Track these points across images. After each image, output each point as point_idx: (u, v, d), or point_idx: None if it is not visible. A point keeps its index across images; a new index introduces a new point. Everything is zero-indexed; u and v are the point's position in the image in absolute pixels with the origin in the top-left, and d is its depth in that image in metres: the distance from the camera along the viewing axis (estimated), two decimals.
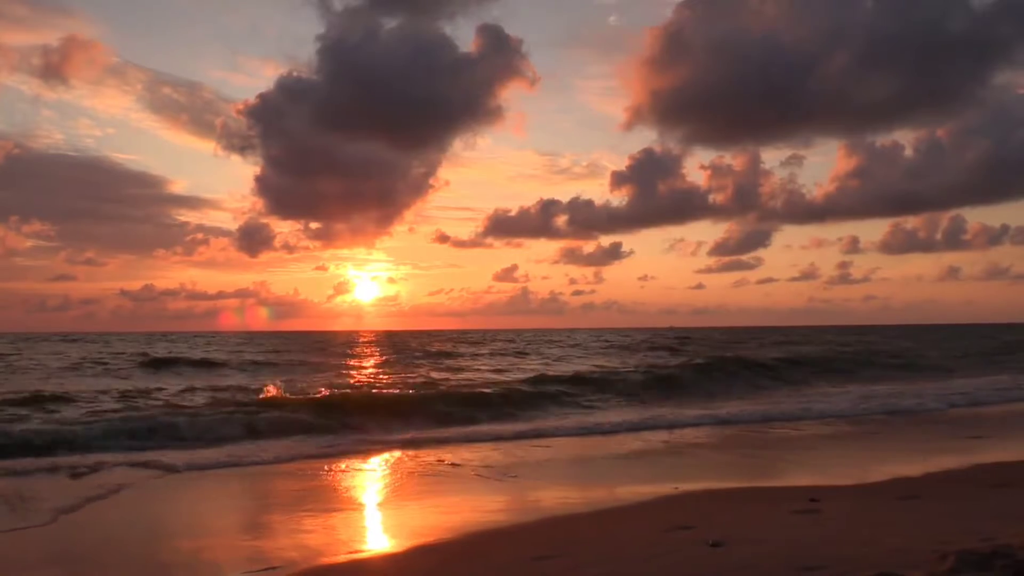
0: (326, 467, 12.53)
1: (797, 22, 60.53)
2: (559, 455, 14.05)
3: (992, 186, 78.13)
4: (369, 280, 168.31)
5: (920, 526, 7.18)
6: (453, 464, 12.55)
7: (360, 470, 12.45)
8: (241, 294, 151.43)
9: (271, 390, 21.20)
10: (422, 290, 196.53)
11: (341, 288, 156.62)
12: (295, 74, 73.66)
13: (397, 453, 13.98)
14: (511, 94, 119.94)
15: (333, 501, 9.96)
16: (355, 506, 9.83)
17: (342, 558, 7.15)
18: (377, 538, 8.17)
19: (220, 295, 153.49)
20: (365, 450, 14.23)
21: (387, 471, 12.29)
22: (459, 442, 15.21)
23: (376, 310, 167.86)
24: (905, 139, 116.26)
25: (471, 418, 18.84)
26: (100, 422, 15.81)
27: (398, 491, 10.59)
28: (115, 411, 17.98)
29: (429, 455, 13.61)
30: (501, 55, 69.74)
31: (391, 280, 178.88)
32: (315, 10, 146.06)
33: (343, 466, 12.64)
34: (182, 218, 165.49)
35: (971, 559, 5.29)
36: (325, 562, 7.01)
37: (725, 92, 61.93)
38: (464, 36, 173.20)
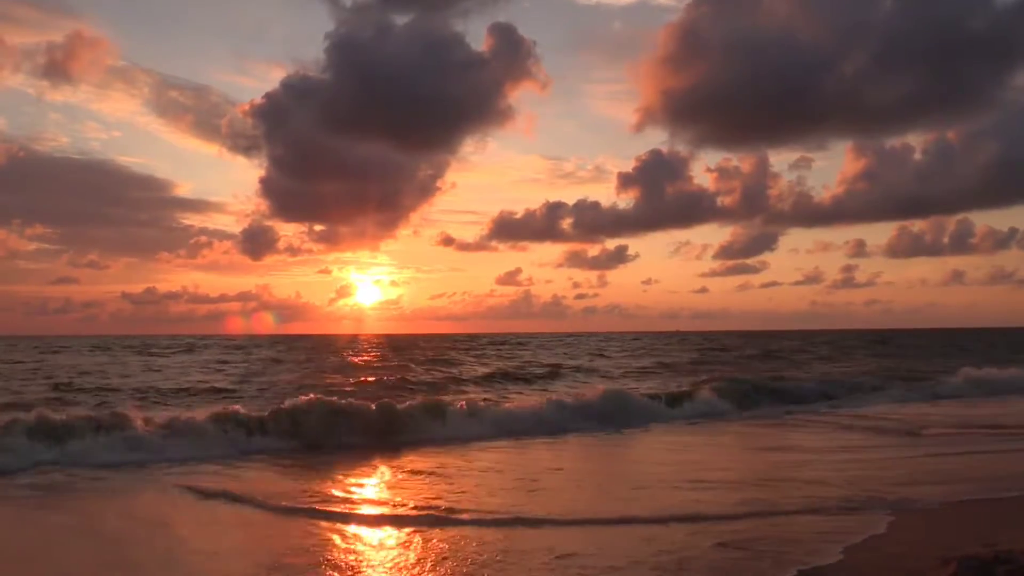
0: None
1: (810, 22, 60.24)
2: None
3: (1002, 189, 77.53)
4: (372, 283, 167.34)
5: (923, 532, 7.24)
6: None
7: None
8: (243, 297, 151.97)
9: None
10: (424, 293, 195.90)
11: (344, 291, 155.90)
12: (302, 73, 72.50)
13: None
14: (521, 96, 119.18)
15: None
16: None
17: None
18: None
19: (222, 298, 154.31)
20: None
21: None
22: None
23: (377, 313, 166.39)
24: (916, 141, 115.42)
25: None
26: None
27: None
28: None
29: None
30: (513, 56, 69.15)
31: (394, 283, 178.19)
32: (324, 7, 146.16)
33: None
34: (186, 221, 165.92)
35: (973, 564, 5.40)
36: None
37: (736, 93, 61.49)
38: (475, 34, 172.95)
